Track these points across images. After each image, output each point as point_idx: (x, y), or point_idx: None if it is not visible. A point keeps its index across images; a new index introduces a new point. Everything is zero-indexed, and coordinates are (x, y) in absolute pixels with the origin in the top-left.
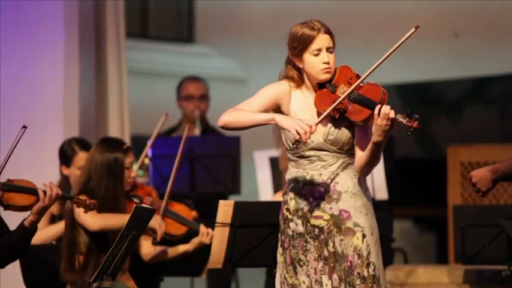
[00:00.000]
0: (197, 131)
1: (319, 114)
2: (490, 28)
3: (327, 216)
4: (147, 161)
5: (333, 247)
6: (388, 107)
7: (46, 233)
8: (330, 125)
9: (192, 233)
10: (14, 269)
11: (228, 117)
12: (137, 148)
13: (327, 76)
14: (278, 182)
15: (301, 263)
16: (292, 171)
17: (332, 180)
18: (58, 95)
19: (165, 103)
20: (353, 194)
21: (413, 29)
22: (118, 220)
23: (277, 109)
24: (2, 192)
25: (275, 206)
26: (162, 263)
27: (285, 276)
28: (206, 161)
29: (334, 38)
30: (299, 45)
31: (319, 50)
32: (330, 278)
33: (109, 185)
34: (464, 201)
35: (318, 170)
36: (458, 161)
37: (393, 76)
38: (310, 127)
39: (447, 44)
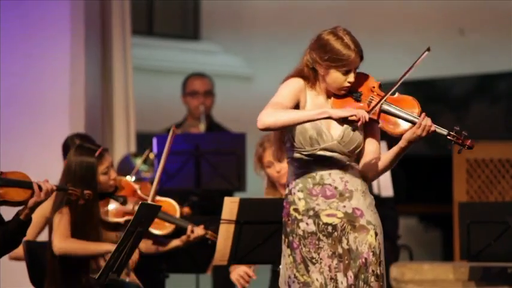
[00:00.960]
0: (202, 127)
1: (338, 120)
2: (495, 25)
3: (340, 214)
4: (152, 156)
5: (347, 244)
6: (429, 120)
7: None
8: (344, 128)
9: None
10: (20, 267)
11: (272, 119)
12: (142, 144)
13: (344, 93)
14: None
15: (313, 260)
16: (298, 172)
17: (342, 179)
18: (64, 92)
19: (171, 100)
20: (363, 192)
21: (426, 52)
22: (83, 250)
23: (297, 106)
24: None
25: (280, 203)
26: (165, 259)
27: (295, 275)
28: (211, 158)
29: (363, 56)
30: (330, 60)
31: (348, 71)
32: (345, 275)
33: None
34: (469, 198)
35: (326, 170)
36: (464, 158)
37: (399, 73)
38: (364, 116)
39: (453, 41)
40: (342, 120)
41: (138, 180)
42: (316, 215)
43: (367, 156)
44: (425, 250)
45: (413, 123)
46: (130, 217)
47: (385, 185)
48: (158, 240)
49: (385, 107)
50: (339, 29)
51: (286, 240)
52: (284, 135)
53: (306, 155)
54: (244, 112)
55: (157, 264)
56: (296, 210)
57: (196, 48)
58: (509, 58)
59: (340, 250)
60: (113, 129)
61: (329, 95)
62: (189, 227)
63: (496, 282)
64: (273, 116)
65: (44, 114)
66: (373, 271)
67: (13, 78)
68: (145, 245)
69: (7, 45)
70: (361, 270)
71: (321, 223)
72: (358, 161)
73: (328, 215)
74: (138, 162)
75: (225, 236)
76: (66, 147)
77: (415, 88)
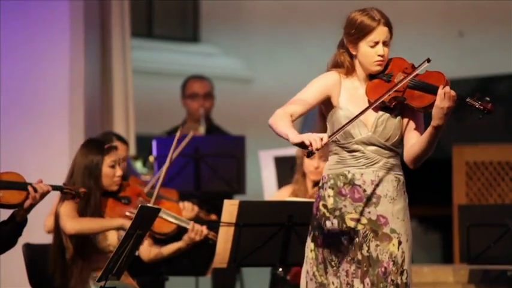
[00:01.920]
0: (202, 130)
1: (371, 103)
2: (495, 27)
3: (364, 220)
4: (151, 159)
5: (367, 251)
6: (449, 88)
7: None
8: (378, 115)
9: (185, 231)
10: (19, 268)
11: (271, 121)
12: (142, 147)
13: (379, 68)
14: (283, 182)
15: (332, 263)
16: (332, 166)
17: (372, 182)
18: (63, 94)
19: (170, 103)
20: (392, 198)
21: (426, 63)
22: (96, 224)
23: (328, 100)
24: None
25: (280, 206)
26: (164, 262)
27: (314, 273)
28: (211, 160)
29: (392, 30)
30: (356, 32)
31: (376, 42)
32: (362, 282)
33: (91, 187)
34: (469, 200)
35: (360, 168)
36: (464, 160)
37: None
38: (321, 138)
39: (452, 43)
40: (299, 146)
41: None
42: (342, 217)
43: (409, 142)
44: (425, 253)
45: (435, 94)
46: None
47: None
48: (159, 242)
49: (410, 83)
50: (368, 7)
51: (312, 233)
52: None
53: (342, 149)
54: (244, 114)
55: (157, 267)
56: (325, 206)
57: (195, 50)
58: (509, 60)
59: (359, 256)
60: (112, 131)
61: (367, 82)
62: (191, 226)
63: (496, 285)
64: (274, 119)
65: (44, 116)
66: (392, 281)
67: (12, 80)
68: (147, 254)
69: (6, 47)
70: (380, 279)
71: (345, 226)
72: (396, 157)
73: (352, 219)
74: (138, 166)
75: (224, 238)
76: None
77: None
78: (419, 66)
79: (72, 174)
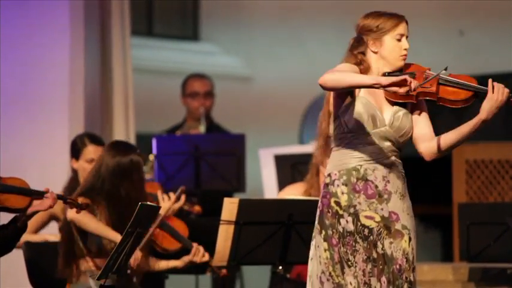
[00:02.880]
0: (202, 129)
1: (389, 102)
2: (495, 26)
3: (378, 218)
4: (151, 158)
5: (382, 249)
6: (501, 84)
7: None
8: (394, 110)
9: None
10: (20, 267)
11: (329, 76)
12: (142, 146)
13: (403, 63)
14: (283, 180)
15: (349, 263)
16: (344, 161)
17: (384, 178)
18: (63, 92)
19: (171, 101)
20: (401, 195)
21: (444, 71)
22: (96, 225)
23: (351, 91)
24: None
25: (280, 204)
26: (163, 258)
27: (330, 273)
28: (211, 158)
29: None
30: (383, 26)
31: (402, 35)
32: (379, 280)
33: (129, 187)
34: (469, 199)
35: (371, 163)
36: (464, 158)
37: None
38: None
39: (452, 42)
40: (395, 85)
41: None
42: (356, 214)
43: (423, 132)
44: (424, 251)
45: (474, 90)
46: None
47: None
48: (160, 256)
49: (443, 77)
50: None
51: (324, 232)
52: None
53: (357, 141)
54: (244, 112)
55: None
56: (338, 203)
57: (195, 48)
58: (510, 59)
59: (374, 255)
60: (112, 130)
61: None
62: (194, 249)
63: (496, 283)
64: (331, 74)
65: (44, 115)
66: (406, 278)
67: (12, 79)
68: (140, 262)
69: (6, 46)
70: (396, 277)
71: (359, 224)
72: (399, 156)
73: (366, 217)
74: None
75: (224, 236)
76: (73, 145)
77: None
78: (444, 68)
79: (97, 172)
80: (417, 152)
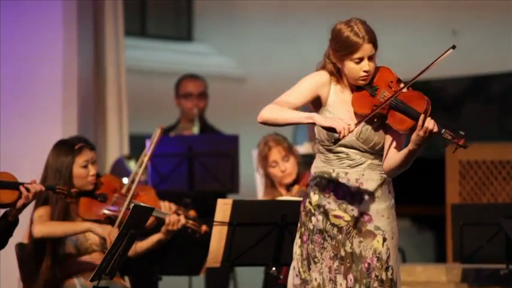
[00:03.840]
0: (195, 130)
1: (356, 115)
2: (488, 26)
3: (347, 218)
4: (145, 159)
5: (350, 248)
6: (432, 121)
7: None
8: (363, 124)
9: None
10: (11, 265)
11: (268, 114)
12: (136, 146)
13: (364, 83)
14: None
15: (315, 259)
16: (318, 165)
17: (357, 180)
18: (57, 93)
19: (164, 102)
20: (376, 197)
21: (450, 50)
22: (62, 228)
23: (317, 100)
24: None
25: (273, 205)
26: (159, 261)
27: (299, 269)
28: (205, 159)
29: (377, 44)
30: (341, 50)
31: (361, 59)
32: (345, 278)
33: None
34: (462, 200)
35: (344, 168)
36: (457, 159)
37: None
38: (349, 126)
39: (446, 42)
40: (326, 129)
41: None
42: (326, 213)
43: (387, 153)
44: (418, 252)
45: (416, 120)
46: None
47: None
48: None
49: (393, 103)
50: (353, 19)
51: (300, 230)
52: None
53: (326, 150)
54: (237, 113)
55: (150, 267)
56: (310, 203)
57: (189, 49)
58: (502, 59)
59: (342, 253)
60: (106, 131)
61: (352, 89)
62: (167, 216)
63: (489, 284)
64: (269, 112)
65: (37, 116)
66: (376, 276)
67: (6, 80)
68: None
69: (0, 48)
70: (363, 275)
71: (329, 222)
72: (381, 158)
73: (335, 216)
74: (132, 166)
75: (218, 237)
76: None
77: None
78: (404, 86)
79: (45, 176)
80: None
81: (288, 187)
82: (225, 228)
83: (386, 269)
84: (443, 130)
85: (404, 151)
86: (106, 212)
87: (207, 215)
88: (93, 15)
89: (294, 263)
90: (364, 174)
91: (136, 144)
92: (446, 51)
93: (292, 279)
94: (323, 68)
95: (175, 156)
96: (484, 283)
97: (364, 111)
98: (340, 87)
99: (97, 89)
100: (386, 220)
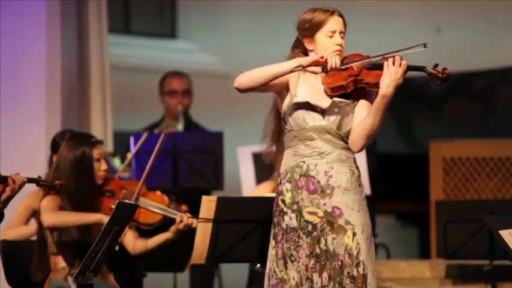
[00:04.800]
0: (180, 127)
1: (328, 96)
2: (472, 24)
3: (320, 213)
4: (129, 156)
5: (324, 245)
6: (399, 57)
7: (18, 232)
8: (332, 104)
9: (172, 222)
10: None
11: (245, 76)
12: (120, 143)
13: (338, 58)
14: (261, 178)
15: (292, 258)
16: (288, 161)
17: (326, 173)
18: (40, 89)
19: (148, 99)
20: (345, 189)
21: (422, 47)
22: (70, 218)
23: (284, 89)
24: None
25: (258, 202)
26: (145, 256)
27: (274, 269)
28: (189, 156)
29: (345, 22)
30: (312, 25)
31: (333, 32)
32: (320, 276)
33: (80, 179)
34: (446, 196)
35: (314, 158)
36: (441, 156)
37: None
38: (335, 60)
39: (429, 39)
40: (314, 65)
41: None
42: (299, 211)
43: (357, 122)
44: (402, 248)
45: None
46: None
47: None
48: (145, 235)
49: (368, 64)
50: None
51: (273, 231)
52: (280, 125)
53: (297, 138)
54: (222, 110)
55: (135, 264)
56: (283, 201)
57: (173, 46)
58: (486, 56)
59: (318, 250)
60: (90, 128)
61: (320, 75)
62: (178, 216)
63: (472, 280)
64: (247, 74)
65: (20, 113)
66: (348, 273)
67: None
68: (132, 246)
69: None
70: (337, 273)
71: (303, 220)
72: (350, 151)
73: (309, 213)
74: (117, 163)
75: (202, 234)
76: (54, 142)
77: None
78: (378, 55)
79: (57, 167)
80: (394, 150)
81: None
82: (209, 225)
83: (357, 265)
84: (426, 67)
85: (376, 101)
86: (113, 207)
87: (191, 211)
88: (76, 12)
89: (269, 265)
90: (333, 167)
91: (121, 141)
92: (417, 45)
93: (267, 282)
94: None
95: (159, 153)
96: (467, 279)
97: (340, 82)
98: (309, 78)
99: (81, 86)
100: (356, 214)
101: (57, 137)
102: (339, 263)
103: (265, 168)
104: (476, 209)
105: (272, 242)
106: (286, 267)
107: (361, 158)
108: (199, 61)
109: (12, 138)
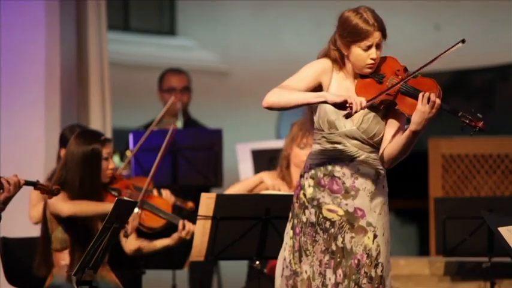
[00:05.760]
0: (179, 124)
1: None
2: (470, 21)
3: (341, 212)
4: (128, 153)
5: (341, 242)
6: (434, 94)
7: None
8: (364, 113)
9: (175, 228)
10: None
11: (274, 98)
12: (119, 140)
13: (370, 71)
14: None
15: (307, 252)
16: (315, 156)
17: (352, 175)
18: (39, 87)
19: (147, 96)
20: (370, 192)
21: (461, 43)
22: (90, 207)
23: (319, 87)
24: None
25: (257, 199)
26: (143, 256)
27: (290, 261)
28: (188, 153)
29: (385, 33)
30: (350, 36)
31: (369, 46)
32: (335, 272)
33: (85, 176)
34: (445, 193)
35: (340, 161)
36: (440, 153)
37: None
38: (361, 101)
39: (428, 36)
40: (337, 107)
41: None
42: (319, 207)
43: (386, 142)
44: (401, 245)
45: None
46: None
47: None
48: (143, 236)
49: (403, 88)
50: (361, 7)
51: (292, 221)
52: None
53: (325, 139)
54: (221, 107)
55: (134, 261)
56: (305, 195)
57: (172, 43)
58: (485, 54)
59: (333, 247)
60: (89, 126)
61: (356, 77)
62: (180, 223)
63: (471, 277)
64: (275, 95)
65: (19, 110)
66: (366, 273)
67: None
68: (131, 247)
69: None
70: (352, 271)
71: (321, 216)
72: (377, 152)
73: (329, 210)
74: (116, 161)
75: (201, 232)
76: (63, 136)
77: None
78: (413, 72)
79: (65, 162)
80: None
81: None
82: (208, 222)
83: (376, 266)
84: (461, 113)
85: (405, 134)
86: None
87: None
88: (76, 9)
89: (284, 254)
90: (360, 169)
91: (120, 138)
92: (456, 44)
93: (281, 270)
94: (325, 55)
95: (158, 150)
96: (466, 276)
97: (371, 97)
98: (343, 74)
99: (80, 83)
100: (378, 216)
101: (66, 131)
102: (356, 261)
103: (264, 164)
104: (475, 206)
105: (290, 232)
106: (300, 260)
107: None
108: (199, 58)
109: (12, 135)
